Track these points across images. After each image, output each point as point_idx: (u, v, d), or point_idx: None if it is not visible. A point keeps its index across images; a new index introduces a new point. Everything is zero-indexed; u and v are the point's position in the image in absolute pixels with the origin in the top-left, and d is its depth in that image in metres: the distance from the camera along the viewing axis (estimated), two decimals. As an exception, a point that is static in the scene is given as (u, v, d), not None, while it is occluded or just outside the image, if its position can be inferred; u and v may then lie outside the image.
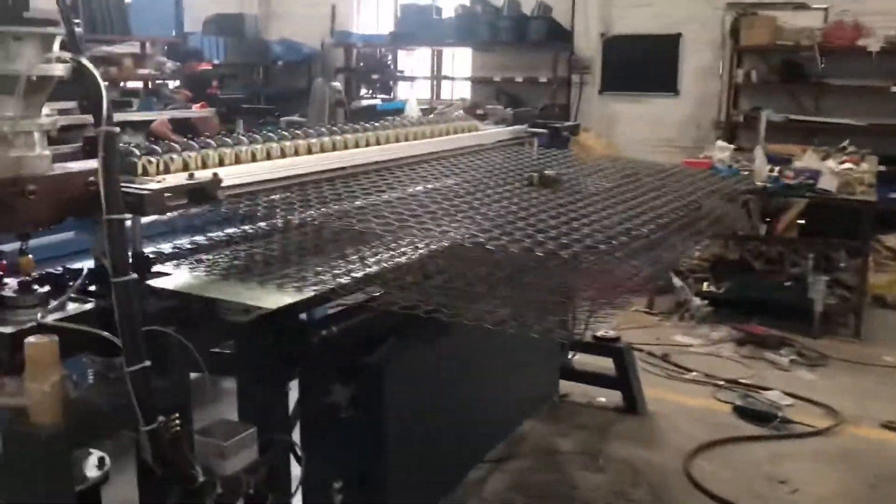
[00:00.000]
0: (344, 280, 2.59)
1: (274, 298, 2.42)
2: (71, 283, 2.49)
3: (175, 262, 2.80)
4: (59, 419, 2.12)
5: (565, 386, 5.21)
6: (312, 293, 2.50)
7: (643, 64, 11.21)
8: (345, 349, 3.00)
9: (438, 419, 3.51)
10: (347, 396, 3.11)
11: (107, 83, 2.33)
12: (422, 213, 2.71)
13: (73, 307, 2.37)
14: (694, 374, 5.80)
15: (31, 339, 2.11)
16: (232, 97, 8.28)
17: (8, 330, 2.16)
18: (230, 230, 3.14)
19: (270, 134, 3.29)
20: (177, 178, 2.63)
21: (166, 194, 2.38)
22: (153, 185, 2.36)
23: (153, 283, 2.53)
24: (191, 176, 2.52)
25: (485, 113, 5.39)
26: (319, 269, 2.69)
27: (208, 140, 3.03)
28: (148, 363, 2.17)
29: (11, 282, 2.39)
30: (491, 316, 2.43)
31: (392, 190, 3.15)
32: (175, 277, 2.60)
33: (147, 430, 2.18)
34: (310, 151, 3.36)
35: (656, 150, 10.99)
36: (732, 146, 7.86)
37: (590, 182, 3.62)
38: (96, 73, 2.16)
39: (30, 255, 2.40)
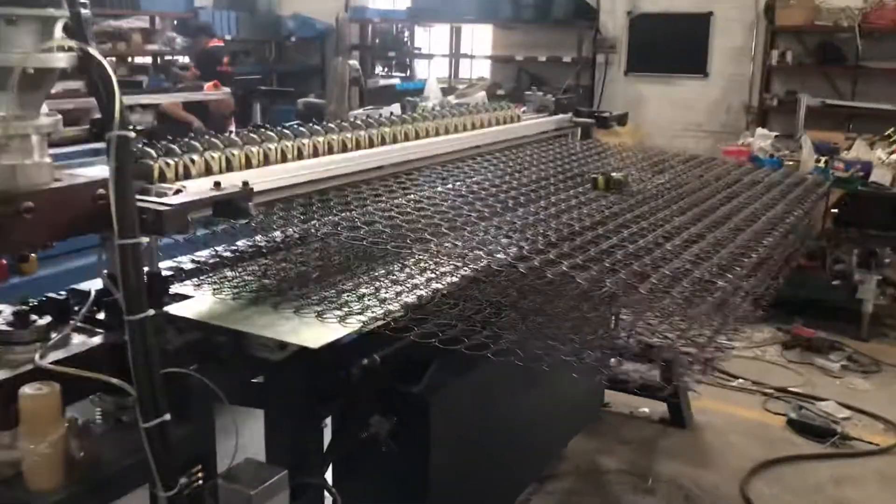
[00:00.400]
0: (393, 307, 2.22)
1: (315, 333, 2.06)
2: (77, 309, 2.14)
3: (196, 279, 2.44)
4: (61, 485, 1.76)
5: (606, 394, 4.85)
6: (358, 323, 2.13)
7: (671, 44, 10.75)
8: (386, 378, 2.63)
9: (483, 448, 3.16)
10: (387, 429, 2.75)
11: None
12: (480, 230, 2.34)
13: (78, 340, 2.00)
14: (740, 381, 5.43)
15: (27, 388, 1.75)
16: (245, 77, 7.84)
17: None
18: (259, 238, 2.77)
19: (301, 128, 2.90)
20: (199, 185, 2.26)
21: (189, 210, 2.00)
22: (174, 199, 1.98)
23: (172, 309, 2.17)
24: (217, 185, 2.14)
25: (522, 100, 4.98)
26: (364, 291, 2.32)
27: (233, 137, 2.64)
28: (167, 416, 1.80)
29: (6, 310, 2.02)
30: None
31: (440, 196, 2.78)
32: (196, 302, 2.24)
33: (166, 497, 1.82)
34: (344, 148, 2.98)
35: (683, 135, 10.59)
36: (774, 133, 7.42)
37: (652, 185, 3.23)
38: (107, 65, 1.78)
39: (34, 254, 2.04)
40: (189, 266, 2.55)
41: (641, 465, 4.33)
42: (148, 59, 11.38)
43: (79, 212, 1.93)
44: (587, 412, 4.45)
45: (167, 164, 2.33)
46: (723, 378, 5.46)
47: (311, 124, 2.97)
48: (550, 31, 11.13)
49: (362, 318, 2.16)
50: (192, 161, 2.41)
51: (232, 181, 2.25)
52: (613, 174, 2.93)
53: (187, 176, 2.38)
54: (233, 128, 8.24)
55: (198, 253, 2.67)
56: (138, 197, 1.94)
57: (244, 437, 2.73)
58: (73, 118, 6.20)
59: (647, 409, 4.92)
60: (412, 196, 2.78)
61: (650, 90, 10.92)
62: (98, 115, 1.99)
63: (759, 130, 7.52)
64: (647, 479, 4.19)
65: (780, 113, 9.87)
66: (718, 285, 2.13)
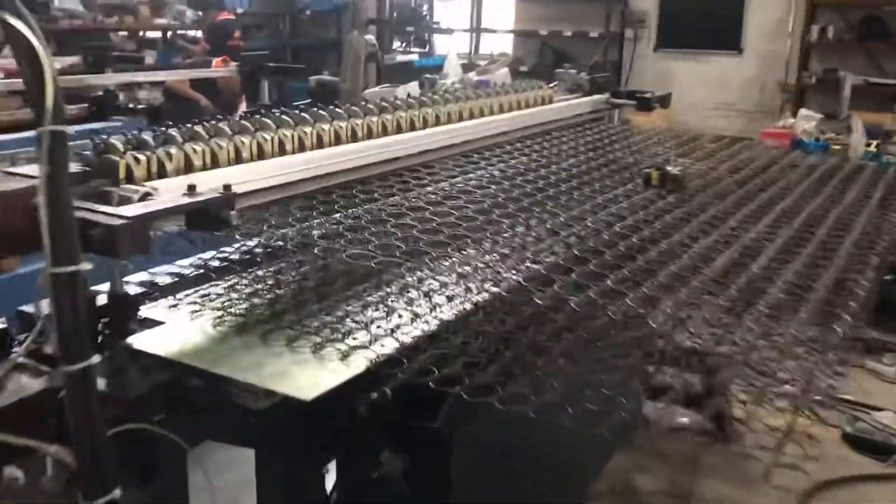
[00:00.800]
0: (404, 338, 1.81)
1: (310, 377, 1.65)
2: (19, 340, 1.74)
3: (172, 297, 2.03)
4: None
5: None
6: (364, 362, 1.72)
7: (704, 18, 10.24)
8: (397, 411, 2.23)
9: (511, 483, 2.75)
10: (400, 468, 2.35)
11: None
12: (517, 242, 1.92)
13: (14, 385, 1.60)
14: (786, 387, 4.98)
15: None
16: (255, 53, 7.40)
17: None
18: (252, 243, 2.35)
19: (304, 114, 2.48)
20: (174, 186, 1.85)
21: (152, 223, 1.58)
22: (131, 210, 1.56)
23: (138, 342, 1.76)
24: (191, 189, 1.72)
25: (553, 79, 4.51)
26: (373, 314, 1.91)
27: (220, 125, 2.22)
28: (117, 494, 1.40)
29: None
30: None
31: (465, 193, 2.36)
32: (168, 332, 1.83)
33: None
34: (354, 137, 2.56)
35: (714, 115, 10.10)
36: (820, 115, 6.93)
37: (711, 178, 2.79)
38: (34, 38, 1.35)
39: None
40: (166, 280, 2.14)
41: (684, 485, 3.92)
42: (157, 34, 10.97)
43: (14, 226, 1.53)
44: (625, 431, 4.03)
45: (136, 160, 1.92)
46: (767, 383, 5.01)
47: (315, 109, 2.55)
48: (576, 3, 10.64)
49: (370, 353, 1.74)
50: (169, 155, 2.00)
51: (217, 180, 1.84)
52: (669, 168, 2.48)
53: (162, 174, 1.97)
54: (244, 107, 7.83)
55: (181, 262, 2.26)
56: (85, 207, 1.53)
57: (229, 477, 2.34)
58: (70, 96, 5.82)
59: (686, 419, 4.50)
60: (431, 195, 2.36)
61: (680, 67, 10.41)
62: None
63: (802, 111, 7.02)
64: (688, 501, 3.78)
65: (819, 92, 9.37)
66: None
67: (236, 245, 2.28)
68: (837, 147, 6.26)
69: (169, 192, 1.81)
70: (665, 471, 4.05)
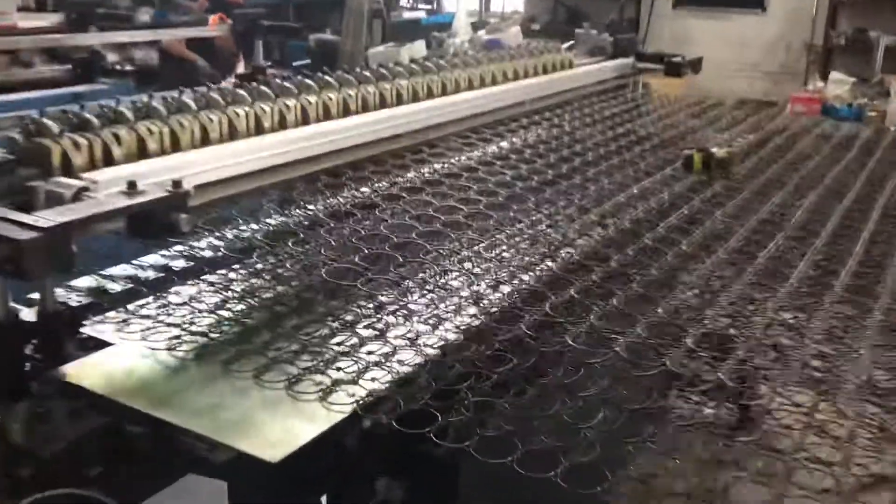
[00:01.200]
0: (405, 367, 1.47)
1: (280, 430, 1.31)
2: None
3: (122, 311, 1.68)
4: None
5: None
6: (349, 402, 1.38)
7: (725, -27, 9.74)
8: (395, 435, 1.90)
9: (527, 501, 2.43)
10: (400, 497, 2.03)
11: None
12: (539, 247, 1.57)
13: None
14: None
15: None
16: (246, 11, 6.97)
17: None
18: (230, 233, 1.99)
19: (286, 84, 2.12)
20: (117, 176, 1.51)
21: (73, 235, 1.24)
22: (44, 219, 1.22)
23: (71, 372, 1.43)
24: (131, 187, 1.37)
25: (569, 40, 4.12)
26: (363, 333, 1.57)
27: (185, 99, 1.87)
28: None
29: None
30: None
31: (473, 189, 2.01)
32: (112, 358, 1.49)
33: None
34: (346, 110, 2.20)
35: (736, 76, 9.63)
36: (853, 79, 6.50)
37: (761, 161, 2.42)
38: None
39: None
40: (117, 283, 1.78)
41: (714, 486, 3.60)
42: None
43: None
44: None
45: (76, 146, 1.57)
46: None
47: (300, 78, 2.19)
48: (591, -42, 10.14)
49: (357, 389, 1.41)
50: (117, 138, 1.65)
51: (175, 168, 1.50)
52: (714, 150, 2.12)
53: (109, 161, 1.62)
54: (241, 68, 7.43)
55: (142, 259, 1.90)
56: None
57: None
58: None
59: (710, 410, 4.17)
60: (436, 187, 2.01)
61: (700, 26, 9.90)
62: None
63: (834, 74, 6.61)
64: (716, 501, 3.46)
65: (847, 53, 8.89)
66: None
67: (206, 240, 1.93)
68: (873, 114, 5.86)
69: (114, 185, 1.47)
70: (688, 470, 3.73)
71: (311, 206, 1.79)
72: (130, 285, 1.78)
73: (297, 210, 1.78)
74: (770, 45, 9.61)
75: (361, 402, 1.37)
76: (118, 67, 5.41)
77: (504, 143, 2.30)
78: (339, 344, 1.53)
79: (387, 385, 1.42)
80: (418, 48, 6.90)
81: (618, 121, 2.77)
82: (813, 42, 9.27)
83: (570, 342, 1.52)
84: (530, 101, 2.90)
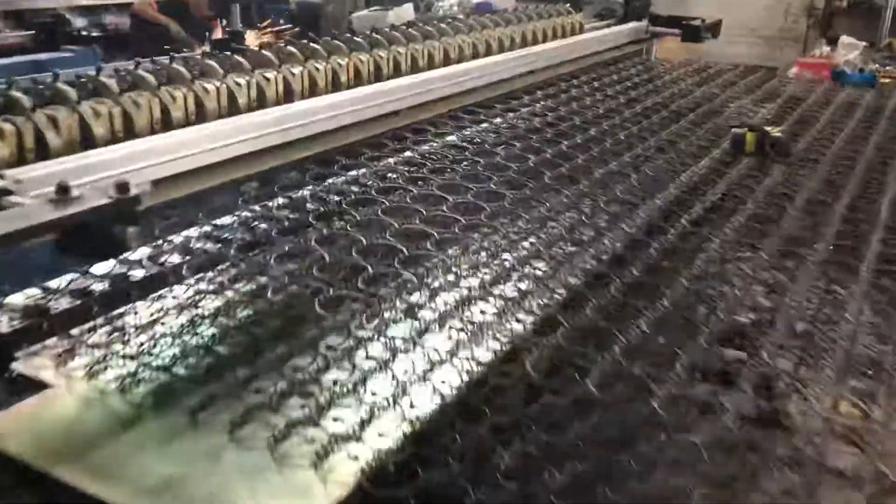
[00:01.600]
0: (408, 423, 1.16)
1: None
2: None
3: (65, 338, 1.34)
4: None
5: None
6: (349, 475, 1.07)
7: (722, -68, 9.37)
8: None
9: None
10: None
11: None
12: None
13: None
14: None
15: None
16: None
17: None
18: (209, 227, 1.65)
19: (265, 52, 1.79)
20: (49, 173, 1.18)
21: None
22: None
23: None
24: (61, 192, 1.04)
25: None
26: (362, 368, 1.25)
27: (142, 73, 1.53)
28: None
29: None
30: None
31: (471, 186, 1.68)
32: (45, 406, 1.17)
33: None
34: (334, 83, 1.87)
35: (735, 41, 9.26)
36: (864, 43, 6.19)
37: (815, 141, 2.11)
38: None
39: None
40: (65, 296, 1.45)
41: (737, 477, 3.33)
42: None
43: None
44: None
45: (-2, 133, 1.24)
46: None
47: (277, 46, 1.85)
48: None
49: (362, 452, 1.09)
50: (54, 122, 1.32)
51: (117, 162, 1.17)
52: (768, 129, 1.80)
53: (43, 154, 1.29)
54: (218, 33, 7.03)
55: (97, 266, 1.56)
56: None
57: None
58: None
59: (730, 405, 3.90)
60: (423, 186, 1.68)
61: (697, -12, 9.58)
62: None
63: (844, 38, 6.28)
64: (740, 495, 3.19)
65: (849, 16, 8.58)
66: None
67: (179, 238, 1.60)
68: (886, 80, 5.54)
69: (46, 185, 1.14)
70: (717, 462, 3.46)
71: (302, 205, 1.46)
72: (77, 302, 1.45)
73: (285, 211, 1.46)
74: (768, 8, 9.27)
75: (366, 470, 1.05)
76: (84, 34, 5.02)
77: (520, 122, 1.98)
78: (335, 382, 1.21)
79: (399, 442, 1.10)
80: (406, 12, 6.52)
81: (642, 91, 2.45)
82: (813, 4, 8.95)
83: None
84: (542, 69, 2.57)
